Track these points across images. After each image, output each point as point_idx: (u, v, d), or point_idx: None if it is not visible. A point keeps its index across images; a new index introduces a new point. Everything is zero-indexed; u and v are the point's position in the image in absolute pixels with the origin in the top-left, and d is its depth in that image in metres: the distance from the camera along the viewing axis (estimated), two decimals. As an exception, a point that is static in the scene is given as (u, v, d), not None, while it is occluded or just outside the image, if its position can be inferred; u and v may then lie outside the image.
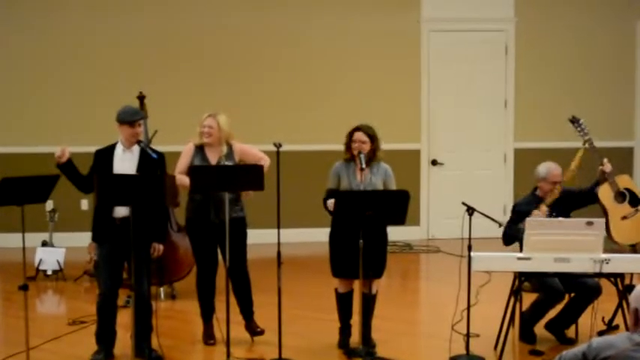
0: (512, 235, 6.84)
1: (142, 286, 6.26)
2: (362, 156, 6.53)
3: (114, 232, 6.29)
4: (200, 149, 6.80)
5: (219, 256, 6.76)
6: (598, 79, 11.20)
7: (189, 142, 6.89)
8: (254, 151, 6.95)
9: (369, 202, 6.18)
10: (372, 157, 6.61)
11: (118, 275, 6.45)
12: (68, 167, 6.29)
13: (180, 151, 6.49)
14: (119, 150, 6.40)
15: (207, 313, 6.89)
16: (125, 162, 6.36)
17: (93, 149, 6.53)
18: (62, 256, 9.05)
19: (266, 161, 6.82)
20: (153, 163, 6.32)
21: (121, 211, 6.28)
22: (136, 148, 6.39)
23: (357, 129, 6.62)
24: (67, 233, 9.89)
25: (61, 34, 10.58)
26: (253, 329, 6.94)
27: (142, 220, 6.06)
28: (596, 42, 11.16)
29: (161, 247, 6.48)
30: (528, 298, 6.91)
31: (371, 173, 6.59)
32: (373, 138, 6.60)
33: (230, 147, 6.82)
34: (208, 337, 6.86)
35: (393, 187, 6.65)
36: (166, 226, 6.73)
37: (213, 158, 6.76)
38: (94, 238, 6.51)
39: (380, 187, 6.59)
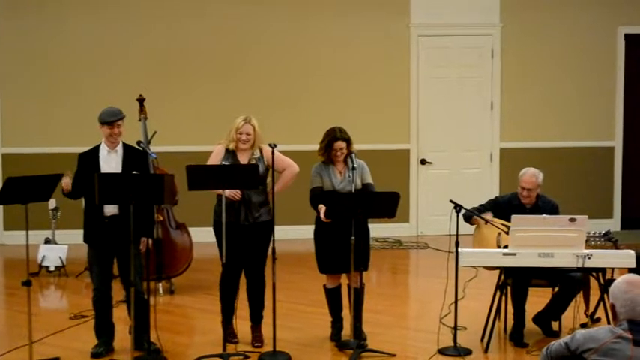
0: (469, 215, 6.81)
1: (135, 282, 6.21)
2: (354, 156, 6.61)
3: (103, 231, 6.27)
4: (231, 153, 6.60)
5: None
6: (580, 82, 11.18)
7: (219, 144, 6.68)
8: (282, 156, 6.69)
9: (361, 203, 6.25)
10: (348, 155, 6.63)
11: (109, 271, 6.44)
12: (73, 192, 6.34)
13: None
14: (104, 152, 6.35)
15: (229, 313, 6.63)
16: (111, 163, 6.33)
17: (94, 150, 6.49)
18: (64, 252, 9.02)
19: (294, 168, 6.70)
20: (138, 163, 6.31)
21: (109, 210, 6.26)
22: (120, 149, 6.36)
23: (335, 139, 6.58)
24: (69, 231, 9.82)
25: (64, 38, 10.53)
26: (255, 337, 6.72)
27: (130, 217, 6.02)
28: (579, 46, 11.14)
29: (150, 240, 6.45)
30: (537, 293, 6.89)
31: (349, 171, 6.61)
32: (349, 141, 6.62)
33: (260, 151, 6.61)
34: (231, 336, 6.65)
35: (370, 179, 6.68)
36: (153, 220, 6.69)
37: (243, 162, 6.57)
38: (85, 239, 6.47)
39: (359, 183, 6.61)
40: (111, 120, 6.29)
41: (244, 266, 6.65)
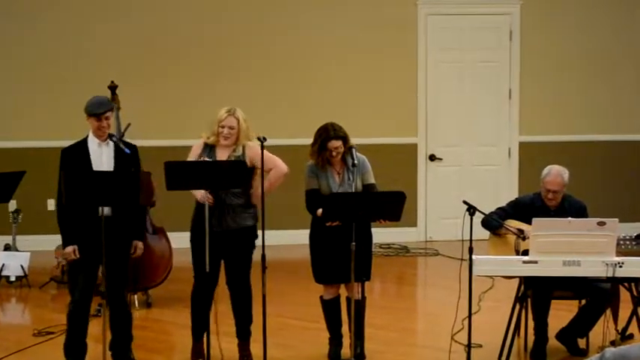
0: (489, 222, 6.83)
1: (120, 291, 6.22)
2: (354, 151, 6.59)
3: (96, 234, 6.25)
4: (210, 148, 6.60)
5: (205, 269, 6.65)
6: (609, 67, 11.19)
7: (201, 137, 6.68)
8: (269, 154, 6.58)
9: (362, 205, 6.27)
10: (346, 152, 6.63)
11: (94, 281, 6.42)
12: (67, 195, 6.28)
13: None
14: (94, 144, 6.32)
15: (199, 330, 6.66)
16: (102, 156, 6.31)
17: (64, 143, 6.48)
18: (27, 260, 9.02)
19: (280, 169, 6.66)
20: (127, 157, 6.32)
21: (104, 210, 6.26)
22: (110, 141, 6.36)
23: (329, 138, 6.56)
24: (32, 236, 9.86)
25: (30, 24, 10.49)
26: (243, 357, 6.72)
27: (122, 219, 6.04)
28: (606, 27, 11.15)
29: (141, 244, 6.48)
30: (561, 306, 6.90)
31: (348, 172, 6.63)
32: (345, 138, 6.61)
33: (243, 148, 6.56)
34: (197, 355, 6.68)
35: (372, 179, 6.71)
36: (145, 222, 6.71)
37: (221, 159, 6.54)
38: (72, 242, 6.42)
39: (359, 184, 6.64)
40: (100, 111, 6.26)
41: (227, 277, 6.66)
